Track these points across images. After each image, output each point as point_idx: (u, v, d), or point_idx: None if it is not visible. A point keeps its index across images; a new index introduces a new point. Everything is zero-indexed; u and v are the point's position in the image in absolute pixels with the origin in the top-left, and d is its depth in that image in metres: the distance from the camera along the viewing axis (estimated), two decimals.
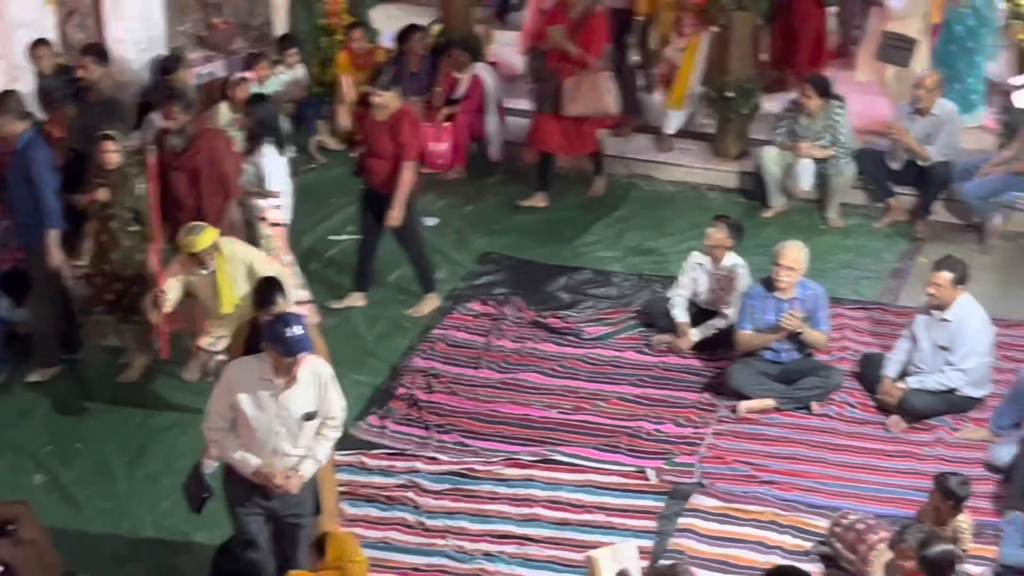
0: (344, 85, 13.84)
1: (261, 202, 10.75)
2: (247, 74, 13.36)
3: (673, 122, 13.31)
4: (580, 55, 12.11)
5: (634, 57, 14.06)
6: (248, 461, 7.41)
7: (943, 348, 9.96)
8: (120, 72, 12.16)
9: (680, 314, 10.95)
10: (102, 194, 10.10)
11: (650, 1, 12.94)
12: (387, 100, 10.98)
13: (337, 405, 7.65)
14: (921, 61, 13.23)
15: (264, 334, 7.31)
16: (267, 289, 8.14)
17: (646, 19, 13.22)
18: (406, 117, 11.06)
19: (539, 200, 12.94)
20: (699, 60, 13.10)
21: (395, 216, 11.03)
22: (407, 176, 11.01)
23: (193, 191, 10.28)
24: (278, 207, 10.94)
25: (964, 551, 8.56)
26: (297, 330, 7.16)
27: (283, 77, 13.61)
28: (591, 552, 7.57)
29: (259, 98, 11.71)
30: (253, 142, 10.95)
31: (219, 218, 10.15)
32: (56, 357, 10.65)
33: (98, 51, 11.79)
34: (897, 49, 13.16)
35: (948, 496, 8.49)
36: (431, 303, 11.57)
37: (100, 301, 10.41)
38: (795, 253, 10.24)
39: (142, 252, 10.18)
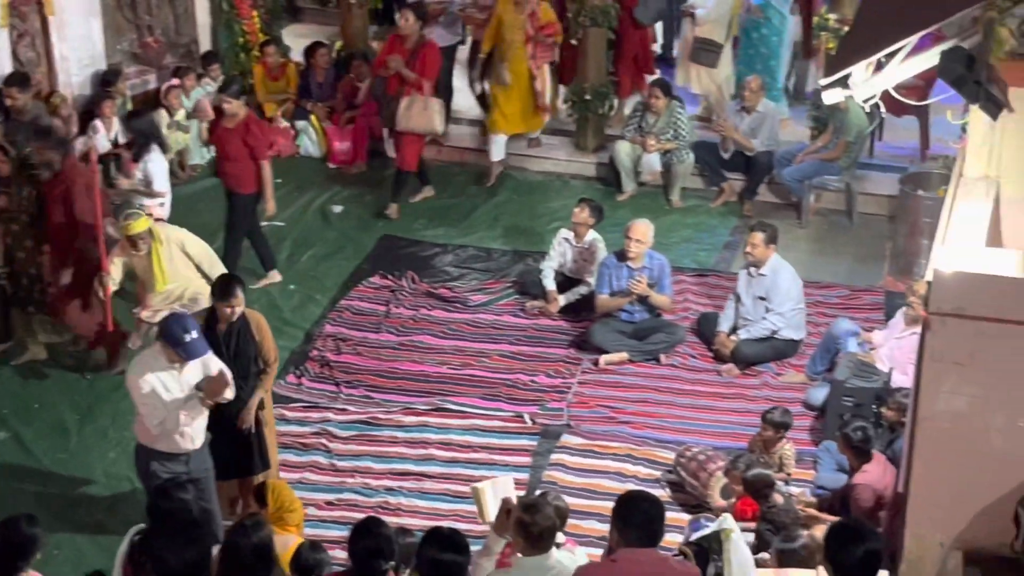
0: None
1: (148, 201, 10.60)
2: (175, 82, 13.24)
3: (495, 149, 13.01)
4: (415, 80, 11.97)
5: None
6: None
7: (761, 299, 10.10)
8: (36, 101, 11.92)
9: (549, 283, 10.98)
10: (2, 201, 9.86)
11: (490, 39, 12.65)
12: (236, 108, 10.75)
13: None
14: (726, 63, 13.37)
15: (163, 332, 7.28)
16: (227, 283, 8.01)
17: (486, 56, 12.92)
18: (252, 122, 10.83)
19: (427, 192, 12.83)
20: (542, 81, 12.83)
21: (270, 208, 10.82)
22: (267, 173, 10.80)
23: (64, 214, 9.66)
24: (162, 204, 10.94)
25: (788, 475, 8.73)
26: (194, 335, 7.26)
27: (207, 88, 13.45)
28: (475, 484, 7.58)
29: (134, 114, 11.59)
30: (140, 149, 10.78)
31: (89, 238, 9.50)
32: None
33: (20, 80, 11.56)
34: (706, 52, 13.30)
35: (772, 426, 8.65)
36: (274, 278, 11.42)
37: (14, 296, 10.09)
38: (643, 228, 10.32)
39: (41, 252, 9.82)
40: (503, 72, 12.59)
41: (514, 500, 6.49)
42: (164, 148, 11.00)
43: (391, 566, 5.88)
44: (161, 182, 10.99)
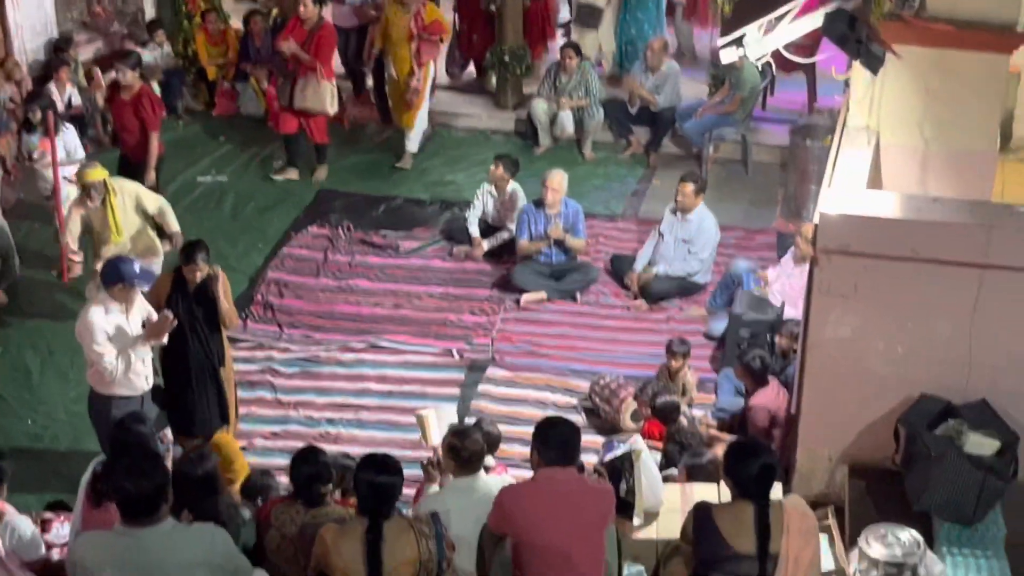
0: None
1: (70, 168, 10.32)
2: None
3: (413, 143, 12.51)
4: (309, 62, 11.69)
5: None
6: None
7: (684, 241, 10.12)
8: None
9: (474, 230, 10.92)
10: None
11: (382, 38, 12.37)
12: (131, 80, 10.47)
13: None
14: (606, 26, 13.33)
15: (107, 273, 7.27)
16: (190, 249, 7.82)
17: (381, 51, 12.61)
18: (145, 95, 10.54)
19: (291, 174, 12.18)
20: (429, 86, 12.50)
21: (150, 178, 10.48)
22: (154, 145, 10.53)
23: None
24: None
25: (691, 399, 8.78)
26: (137, 269, 7.30)
27: (153, 53, 13.16)
28: (419, 410, 7.58)
29: (33, 95, 11.28)
30: (54, 123, 10.43)
31: None
32: None
33: None
34: (589, 15, 13.28)
35: (675, 355, 8.69)
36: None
37: None
38: (559, 178, 10.28)
39: None
40: (390, 68, 12.32)
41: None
42: (61, 119, 10.73)
43: (329, 489, 5.88)
44: (80, 151, 10.73)
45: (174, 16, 13.78)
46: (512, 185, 10.80)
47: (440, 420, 7.36)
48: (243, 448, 8.40)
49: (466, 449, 5.92)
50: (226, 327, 8.00)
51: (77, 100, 11.92)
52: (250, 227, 11.46)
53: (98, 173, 9.09)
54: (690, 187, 10.06)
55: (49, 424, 8.76)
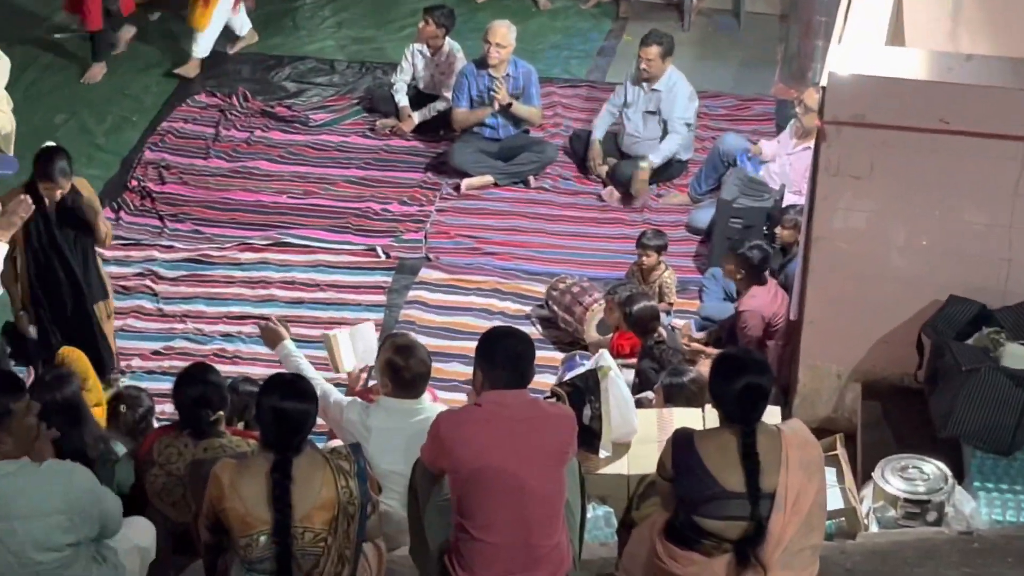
0: None
1: None
2: None
3: (200, 46, 11.79)
4: None
5: None
6: None
7: (651, 113, 10.09)
8: None
9: (402, 99, 10.83)
10: None
11: None
12: None
13: None
14: None
15: None
16: (45, 161, 7.45)
17: None
18: None
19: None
20: None
21: None
22: None
23: None
24: None
25: (670, 304, 8.82)
26: None
27: None
28: (328, 332, 7.57)
29: None
30: None
31: None
32: None
33: None
34: None
35: (645, 248, 8.72)
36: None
37: None
38: (504, 31, 10.18)
39: None
40: None
41: (374, 349, 6.49)
42: None
43: (221, 416, 5.87)
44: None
45: None
46: (449, 43, 10.70)
47: (355, 340, 7.37)
48: (121, 372, 8.37)
49: (410, 369, 5.93)
50: (102, 247, 7.95)
51: None
52: (122, 95, 11.33)
53: None
54: (654, 50, 10.00)
55: None
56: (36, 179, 7.49)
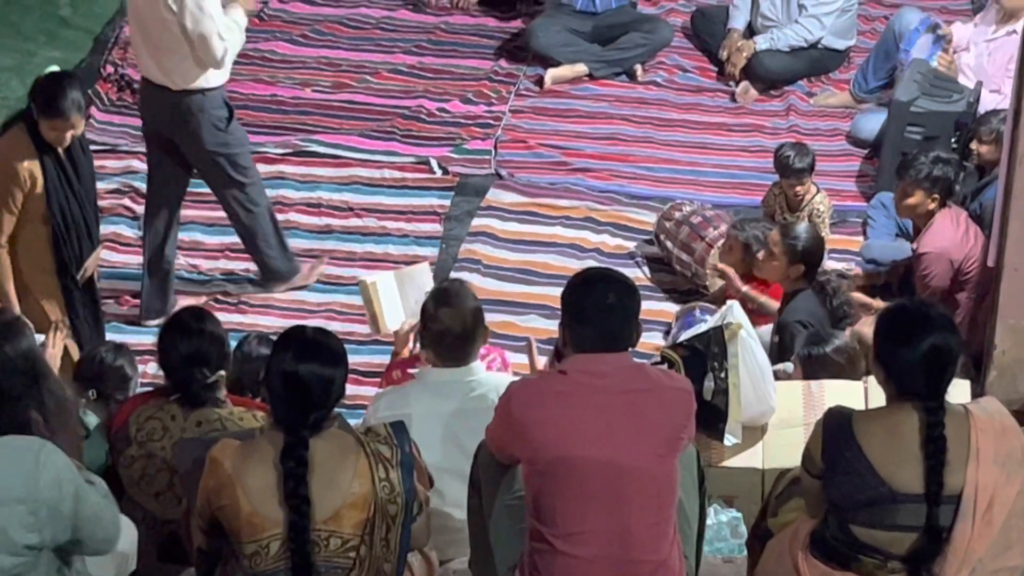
0: None
1: None
2: None
3: None
4: None
5: None
6: None
7: None
8: None
9: None
10: None
11: None
12: None
13: None
14: None
15: None
16: (51, 92, 7.55)
17: None
18: None
19: None
20: None
21: None
22: None
23: None
24: None
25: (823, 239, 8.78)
26: None
27: None
28: (364, 277, 7.59)
29: None
30: None
31: None
32: None
33: None
34: None
35: (786, 170, 8.65)
36: None
37: None
38: None
39: None
40: None
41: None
42: None
43: (220, 377, 5.89)
44: None
45: None
46: None
47: (404, 288, 7.38)
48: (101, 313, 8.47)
49: (437, 321, 5.92)
50: None
51: None
52: None
53: None
54: None
55: None
56: (39, 116, 7.40)
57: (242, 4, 8.11)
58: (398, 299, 7.34)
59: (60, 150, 7.46)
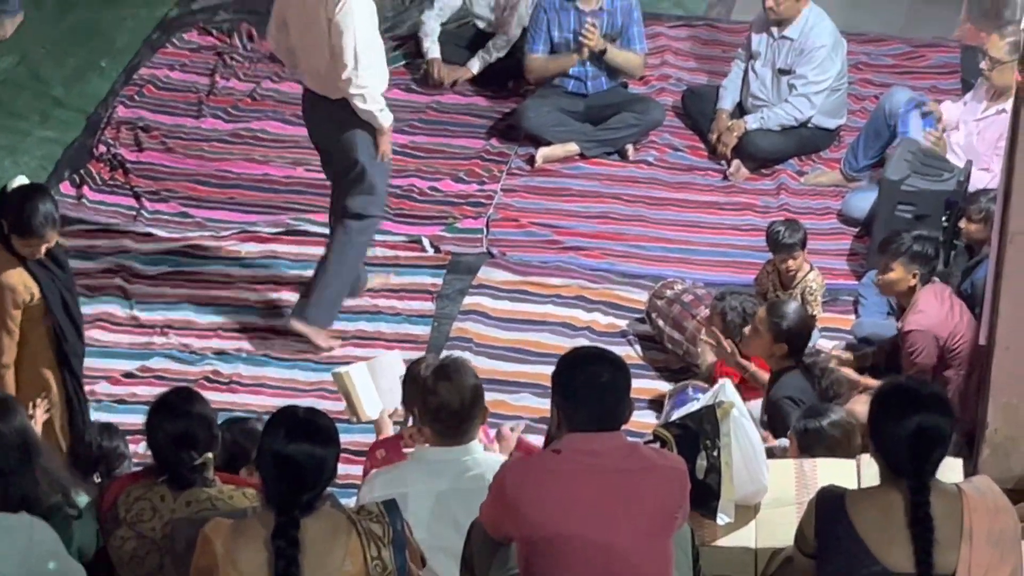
0: None
1: None
2: None
3: None
4: None
5: None
6: None
7: (784, 72, 10.07)
8: None
9: (432, 46, 10.92)
10: None
11: None
12: None
13: None
14: None
15: None
16: (26, 214, 7.56)
17: None
18: None
19: None
20: None
21: None
22: None
23: None
24: None
25: (814, 318, 8.77)
26: None
27: None
28: (338, 369, 7.62)
29: None
30: None
31: None
32: None
33: None
34: None
35: (778, 247, 8.67)
36: None
37: None
38: None
39: None
40: None
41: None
42: None
43: (210, 459, 5.88)
44: None
45: None
46: None
47: (376, 377, 7.40)
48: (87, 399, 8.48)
49: (437, 397, 5.90)
50: None
51: None
52: (87, 31, 11.47)
53: None
54: None
55: None
56: (11, 234, 7.23)
57: None
58: (373, 387, 7.35)
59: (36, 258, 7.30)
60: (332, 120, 8.53)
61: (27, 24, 11.42)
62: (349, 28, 8.22)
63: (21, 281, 7.22)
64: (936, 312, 7.97)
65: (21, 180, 7.54)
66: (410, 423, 6.79)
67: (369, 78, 8.35)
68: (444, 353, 8.34)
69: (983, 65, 9.40)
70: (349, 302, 9.17)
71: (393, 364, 7.52)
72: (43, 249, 7.27)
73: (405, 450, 6.51)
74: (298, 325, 8.85)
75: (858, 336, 8.79)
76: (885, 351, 8.36)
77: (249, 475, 6.45)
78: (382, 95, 8.49)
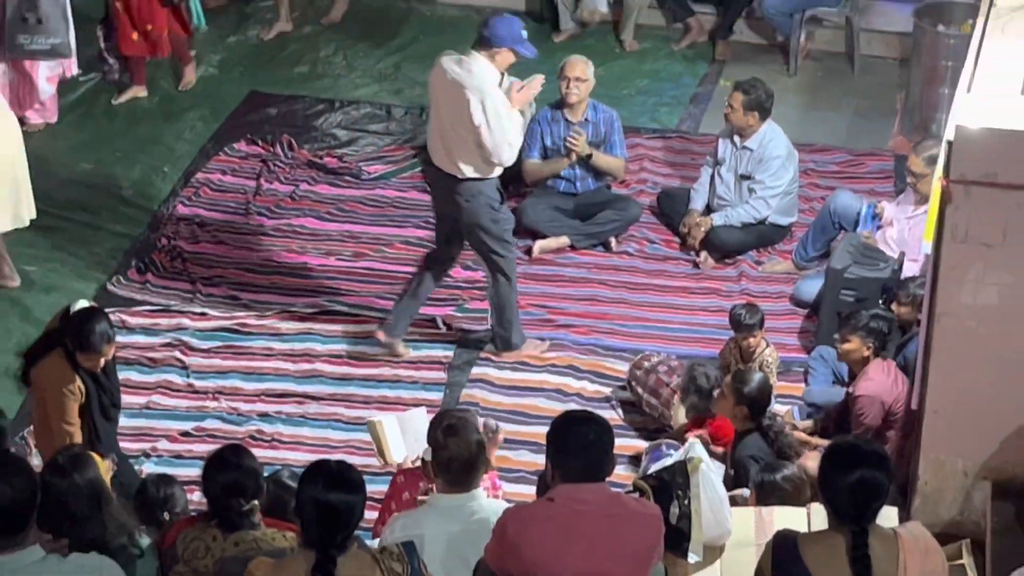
0: None
1: None
2: None
3: None
4: None
5: None
6: None
7: (745, 177, 10.10)
8: None
9: None
10: None
11: None
12: None
13: None
14: None
15: None
16: (89, 321, 7.52)
17: None
18: None
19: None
20: None
21: None
22: None
23: None
24: None
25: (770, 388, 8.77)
26: None
27: None
28: (372, 418, 7.61)
29: None
30: None
31: None
32: None
33: None
34: None
35: (739, 327, 8.69)
36: None
37: None
38: (581, 65, 10.24)
39: None
40: None
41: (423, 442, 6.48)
42: None
43: (255, 506, 5.89)
44: None
45: None
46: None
47: (405, 428, 7.40)
48: (144, 455, 8.48)
49: (446, 450, 5.92)
50: None
51: None
52: (152, 141, 11.48)
53: None
54: (737, 97, 9.98)
55: None
56: (75, 349, 7.28)
57: (515, 105, 8.65)
58: (400, 436, 7.34)
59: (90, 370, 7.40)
60: (458, 197, 8.82)
61: (101, 135, 11.47)
62: None
63: (78, 388, 7.33)
64: (883, 381, 7.97)
65: (83, 304, 7.56)
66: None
67: None
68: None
69: (908, 178, 9.44)
70: (371, 370, 9.21)
71: (419, 417, 7.52)
72: (101, 362, 7.36)
73: (420, 497, 6.52)
74: (513, 353, 9.27)
75: (807, 401, 8.77)
76: (832, 415, 8.36)
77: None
78: None
